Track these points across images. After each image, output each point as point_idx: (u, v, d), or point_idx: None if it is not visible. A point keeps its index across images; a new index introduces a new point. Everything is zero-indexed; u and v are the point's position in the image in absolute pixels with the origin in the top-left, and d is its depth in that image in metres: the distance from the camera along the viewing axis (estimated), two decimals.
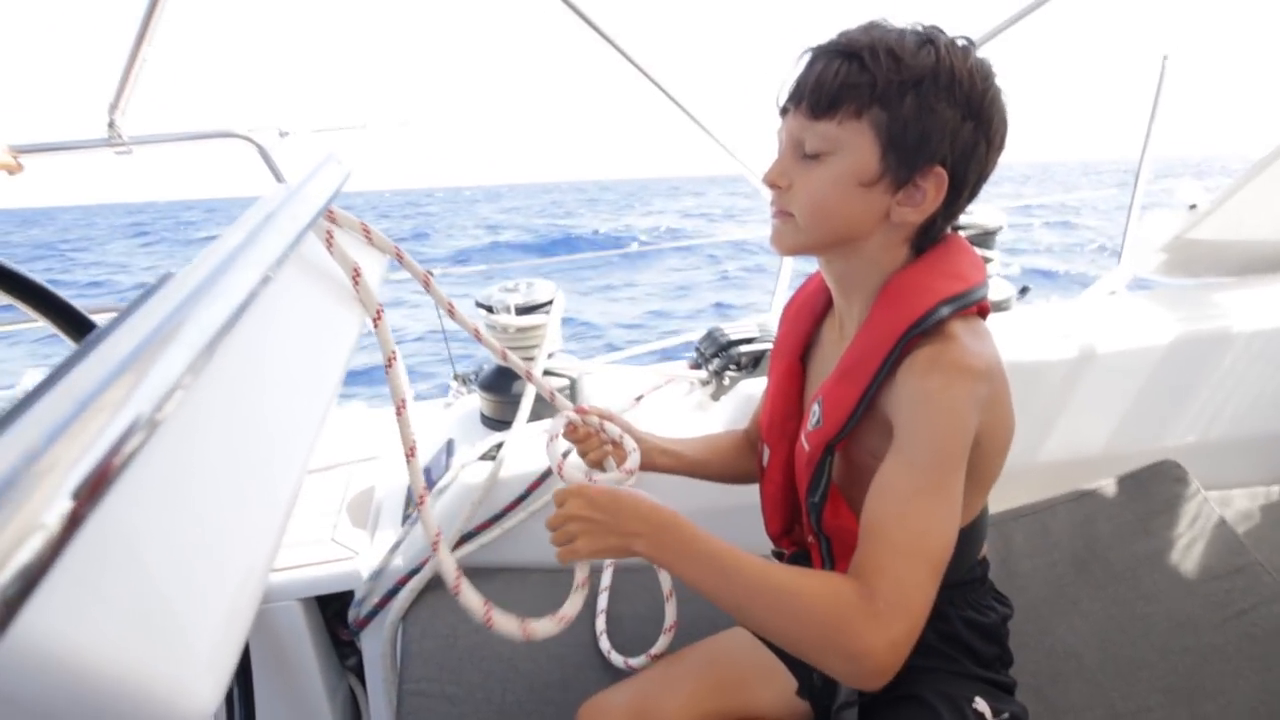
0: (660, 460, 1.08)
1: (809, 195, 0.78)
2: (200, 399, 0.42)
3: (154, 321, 0.37)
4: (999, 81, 0.76)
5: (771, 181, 0.81)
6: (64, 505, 0.27)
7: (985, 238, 1.95)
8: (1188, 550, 1.32)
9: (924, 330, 0.76)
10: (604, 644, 1.21)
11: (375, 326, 0.80)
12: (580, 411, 1.08)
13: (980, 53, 0.76)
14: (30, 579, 0.25)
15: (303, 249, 0.73)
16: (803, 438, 0.88)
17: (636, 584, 1.34)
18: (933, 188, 0.76)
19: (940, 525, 0.71)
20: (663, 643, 1.18)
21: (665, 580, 1.22)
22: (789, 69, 0.80)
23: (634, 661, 1.17)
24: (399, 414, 0.86)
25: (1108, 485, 1.46)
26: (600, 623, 1.25)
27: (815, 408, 0.85)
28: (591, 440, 1.07)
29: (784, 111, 0.81)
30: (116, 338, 0.36)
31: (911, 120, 0.73)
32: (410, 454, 0.87)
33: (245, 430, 0.49)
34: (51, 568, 0.26)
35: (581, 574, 0.92)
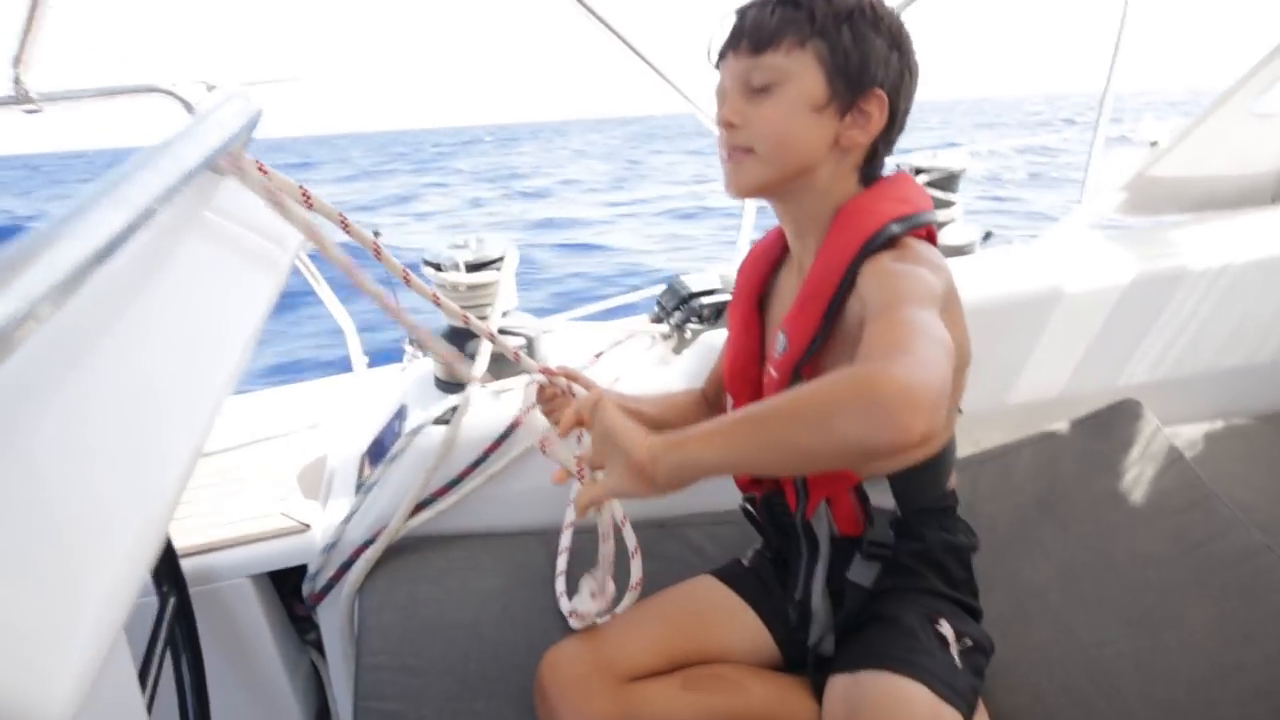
0: None
1: (766, 125, 0.81)
2: (58, 341, 0.37)
3: (9, 254, 0.33)
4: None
5: (726, 120, 0.83)
6: None
7: (949, 180, 1.93)
8: (1147, 487, 1.33)
9: (875, 249, 0.79)
10: (564, 605, 1.18)
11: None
12: (546, 373, 1.04)
13: None
14: None
15: (217, 197, 0.68)
16: (770, 369, 0.90)
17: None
18: (876, 110, 0.81)
19: (936, 330, 0.66)
20: (628, 600, 1.16)
21: (630, 537, 1.19)
22: (715, 26, 0.85)
23: (599, 621, 1.15)
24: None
25: (1069, 426, 1.46)
26: (560, 584, 1.22)
27: (780, 336, 0.88)
28: (558, 400, 1.05)
29: (720, 60, 0.85)
30: None
31: (850, 48, 0.79)
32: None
33: (119, 387, 0.44)
34: None
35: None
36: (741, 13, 0.82)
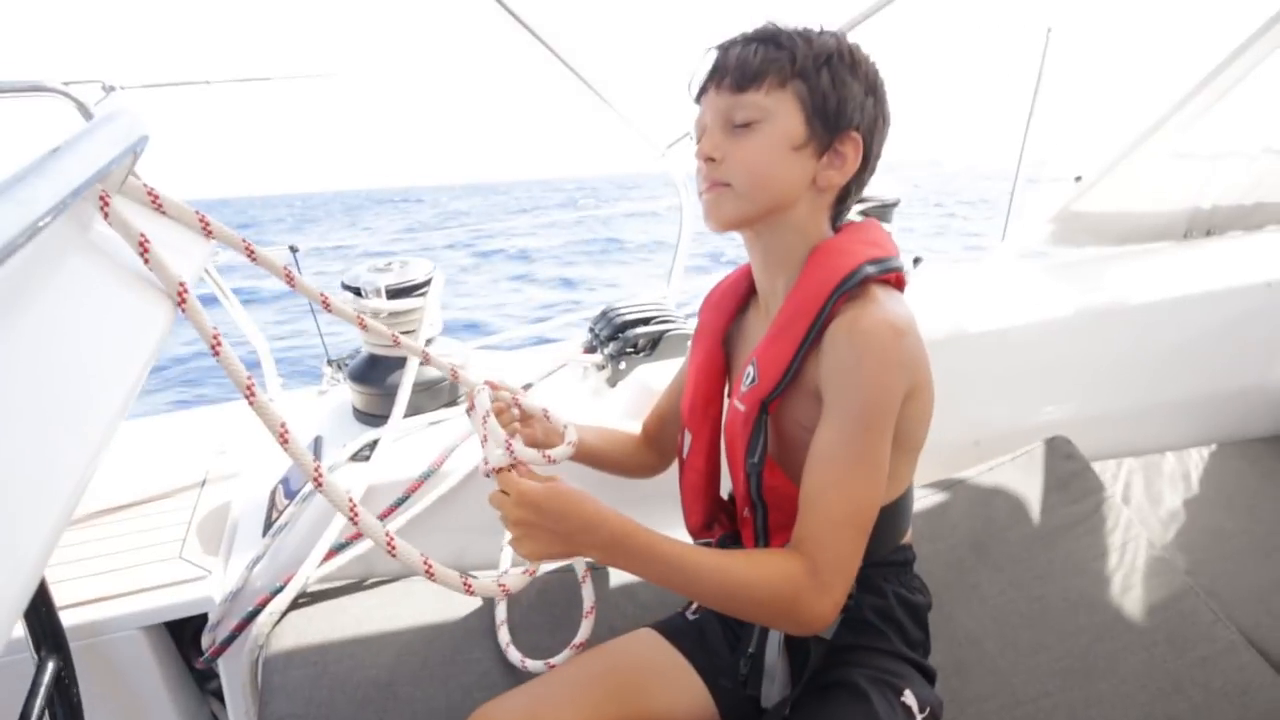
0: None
1: (745, 161, 0.82)
2: None
3: None
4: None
5: (706, 155, 0.84)
6: None
7: (883, 210, 1.93)
8: (1078, 527, 1.34)
9: (849, 289, 0.81)
10: (513, 656, 1.11)
11: (182, 308, 0.65)
12: (491, 386, 0.99)
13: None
14: None
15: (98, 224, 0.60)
16: (736, 403, 0.90)
17: (536, 586, 1.24)
18: (851, 151, 0.83)
19: (870, 492, 0.79)
20: (585, 628, 1.10)
21: (589, 596, 1.13)
22: (696, 62, 0.86)
23: (534, 665, 1.08)
24: (250, 401, 0.70)
25: (1002, 464, 1.46)
26: (504, 634, 1.15)
27: (750, 369, 0.88)
28: (502, 416, 1.01)
29: (701, 95, 0.86)
30: None
31: (829, 91, 0.80)
32: (283, 439, 0.71)
33: None
34: None
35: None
36: (724, 49, 0.83)
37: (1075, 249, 2.05)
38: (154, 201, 0.71)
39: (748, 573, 0.77)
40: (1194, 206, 2.01)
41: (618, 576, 1.24)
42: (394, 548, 0.71)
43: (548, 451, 0.92)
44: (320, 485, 0.71)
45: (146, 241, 0.62)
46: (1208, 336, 1.69)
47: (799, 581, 0.76)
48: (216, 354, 0.69)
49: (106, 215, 0.62)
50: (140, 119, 0.65)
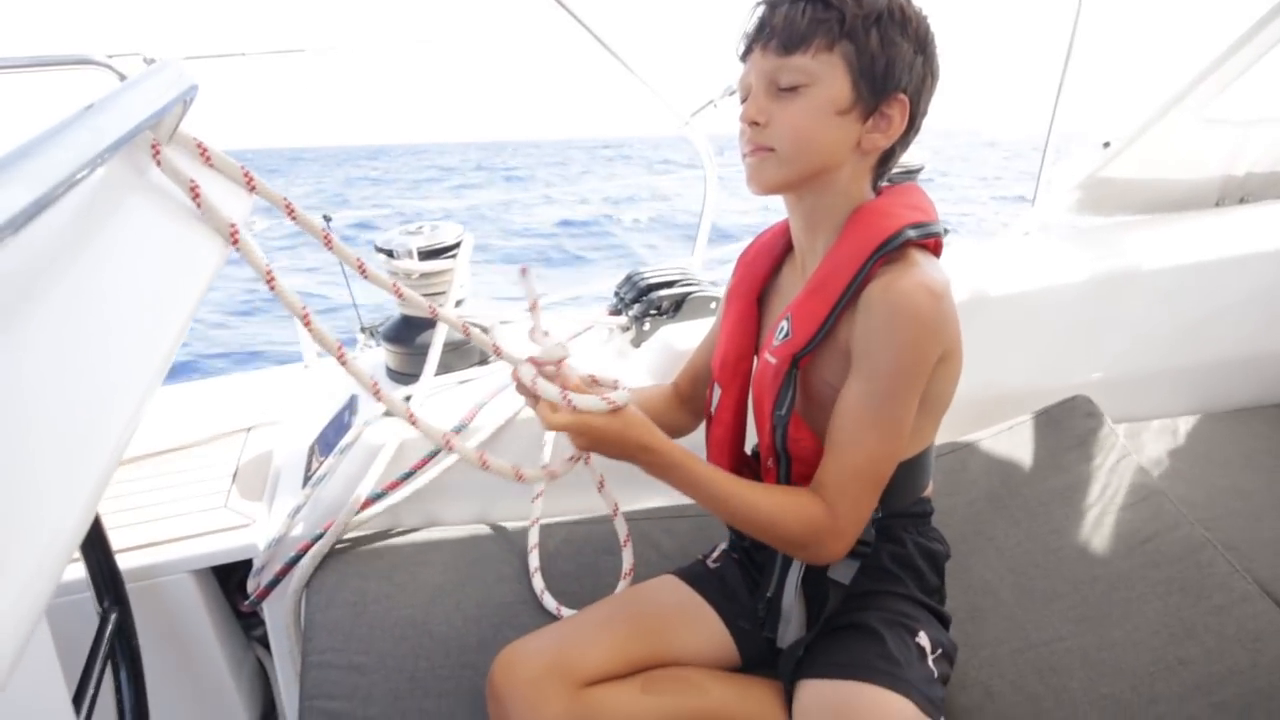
0: None
1: (790, 126, 0.82)
2: None
3: None
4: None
5: (751, 118, 0.83)
6: None
7: (908, 177, 1.93)
8: (1097, 484, 1.35)
9: (889, 251, 0.82)
10: (549, 603, 1.17)
11: (235, 245, 0.71)
12: (534, 363, 0.99)
13: None
14: None
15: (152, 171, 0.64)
16: (768, 356, 0.91)
17: (565, 538, 1.29)
18: (898, 114, 0.82)
19: (889, 449, 0.84)
20: (622, 589, 1.16)
21: (622, 527, 1.20)
22: (745, 20, 0.84)
23: (568, 613, 1.14)
24: (306, 324, 0.76)
25: (1022, 422, 1.48)
26: (538, 581, 1.20)
27: (784, 324, 0.89)
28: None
29: (746, 54, 0.85)
30: None
31: (877, 52, 0.79)
32: (340, 357, 0.79)
33: (37, 367, 0.41)
34: None
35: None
36: (772, 6, 0.82)
37: (1103, 217, 2.03)
38: (202, 154, 0.75)
39: (774, 507, 0.85)
40: (1226, 173, 1.98)
41: (639, 528, 1.28)
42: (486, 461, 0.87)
43: (608, 395, 0.89)
44: (379, 395, 0.81)
45: (197, 187, 0.67)
46: (1236, 302, 1.67)
47: (820, 525, 0.83)
48: (271, 287, 0.74)
49: (159, 162, 0.66)
50: (188, 72, 0.70)
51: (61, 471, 0.40)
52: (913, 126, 0.85)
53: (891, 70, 0.80)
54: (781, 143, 0.82)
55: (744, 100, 0.86)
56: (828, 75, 0.80)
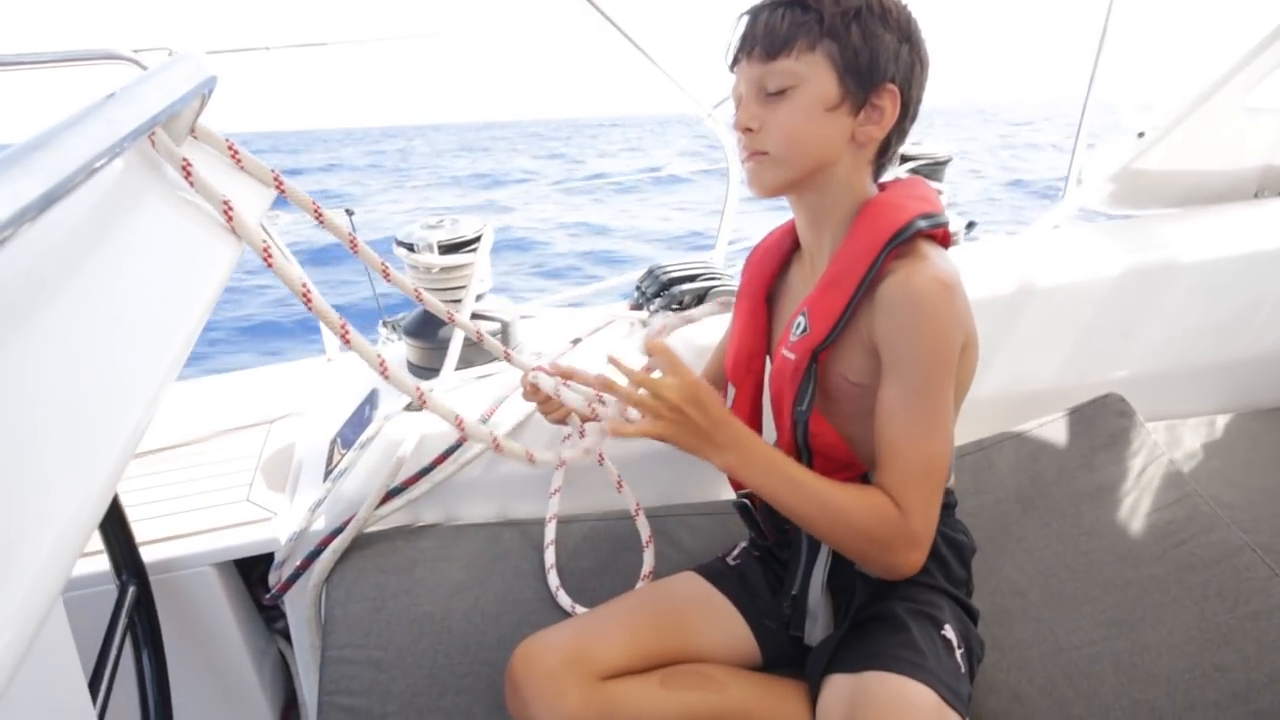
0: None
1: (781, 128, 0.83)
2: None
3: None
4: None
5: (744, 125, 0.86)
6: None
7: (935, 169, 1.90)
8: (1129, 484, 1.32)
9: (902, 242, 0.82)
10: (563, 600, 1.16)
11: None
12: (541, 371, 0.99)
13: None
14: None
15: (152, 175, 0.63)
16: (785, 351, 0.92)
17: (580, 535, 1.28)
18: (889, 104, 0.83)
19: (942, 445, 0.84)
20: (641, 587, 1.16)
21: (644, 527, 1.21)
22: (730, 31, 0.87)
23: (582, 611, 1.13)
24: (306, 302, 0.73)
25: (1052, 420, 1.44)
26: (553, 578, 1.19)
27: (801, 319, 0.90)
28: (554, 401, 1.00)
29: (734, 65, 0.87)
30: None
31: (860, 47, 0.81)
32: (344, 336, 0.76)
33: (56, 354, 0.41)
34: None
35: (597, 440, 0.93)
36: (753, 15, 0.84)
37: (1137, 210, 1.98)
38: (232, 155, 0.75)
39: (849, 504, 0.83)
40: (1266, 164, 1.92)
41: (659, 525, 1.27)
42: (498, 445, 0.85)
43: (594, 405, 0.93)
44: (385, 373, 0.80)
45: (229, 204, 0.66)
46: (1276, 296, 1.62)
47: (895, 524, 0.82)
48: (269, 264, 0.74)
49: (188, 175, 0.64)
50: (206, 64, 0.69)
51: (76, 457, 0.40)
52: (907, 114, 0.86)
53: (876, 62, 0.81)
54: (775, 145, 0.84)
55: (737, 109, 0.88)
56: (813, 75, 0.81)
